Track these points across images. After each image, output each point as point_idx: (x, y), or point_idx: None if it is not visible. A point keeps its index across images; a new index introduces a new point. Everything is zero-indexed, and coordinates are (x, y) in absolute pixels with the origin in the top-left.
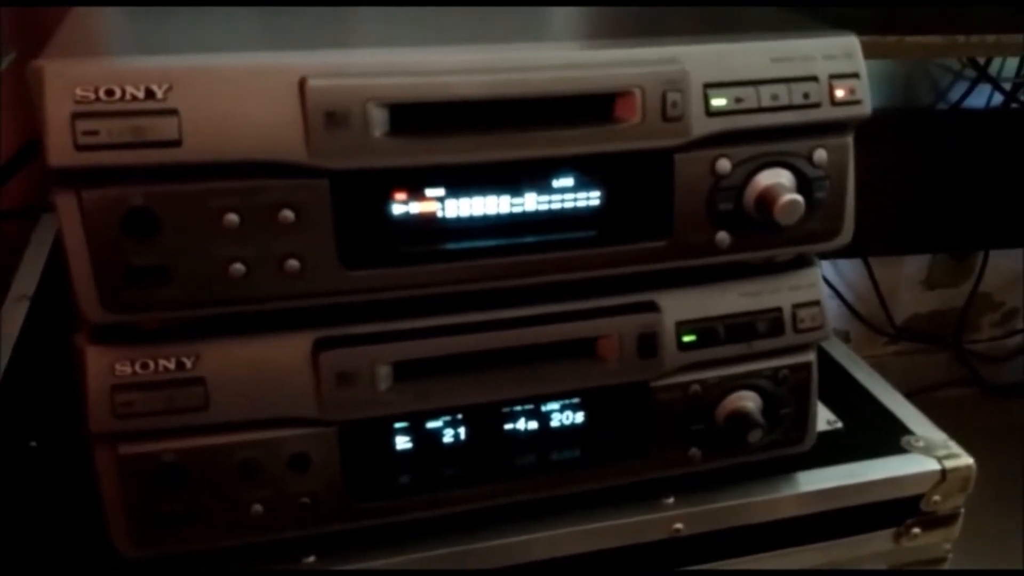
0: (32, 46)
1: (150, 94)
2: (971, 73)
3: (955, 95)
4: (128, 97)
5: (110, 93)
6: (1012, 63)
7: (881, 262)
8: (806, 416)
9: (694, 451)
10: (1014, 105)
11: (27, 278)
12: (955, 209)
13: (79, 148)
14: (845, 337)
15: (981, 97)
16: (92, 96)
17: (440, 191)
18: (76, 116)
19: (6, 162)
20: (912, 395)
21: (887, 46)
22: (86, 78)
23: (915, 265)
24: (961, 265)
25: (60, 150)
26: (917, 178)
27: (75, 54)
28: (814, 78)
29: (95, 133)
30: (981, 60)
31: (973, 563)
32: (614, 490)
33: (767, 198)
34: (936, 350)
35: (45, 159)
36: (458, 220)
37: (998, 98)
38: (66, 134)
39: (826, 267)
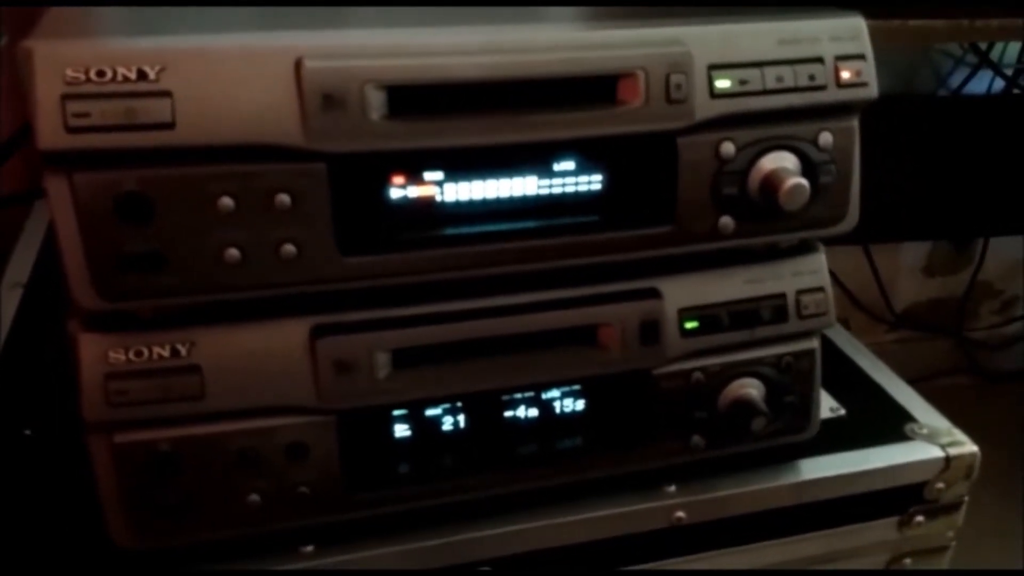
0: (25, 28)
1: (142, 75)
2: (972, 59)
3: (956, 81)
4: (120, 78)
5: (101, 74)
6: (1014, 49)
7: (881, 249)
8: (809, 404)
9: (696, 439)
10: (1015, 91)
11: (21, 265)
12: (955, 196)
13: (70, 130)
14: (845, 325)
15: (982, 83)
16: (83, 77)
17: (439, 175)
18: (67, 98)
19: None
20: (912, 383)
21: (890, 30)
22: (77, 59)
23: (915, 252)
24: (961, 253)
25: (50, 133)
26: (917, 165)
27: (66, 35)
28: (820, 60)
29: (86, 115)
30: (983, 46)
31: (976, 552)
32: (615, 479)
33: (771, 182)
34: (936, 338)
35: (35, 142)
36: (457, 205)
37: (999, 84)
38: (56, 116)
39: (825, 253)
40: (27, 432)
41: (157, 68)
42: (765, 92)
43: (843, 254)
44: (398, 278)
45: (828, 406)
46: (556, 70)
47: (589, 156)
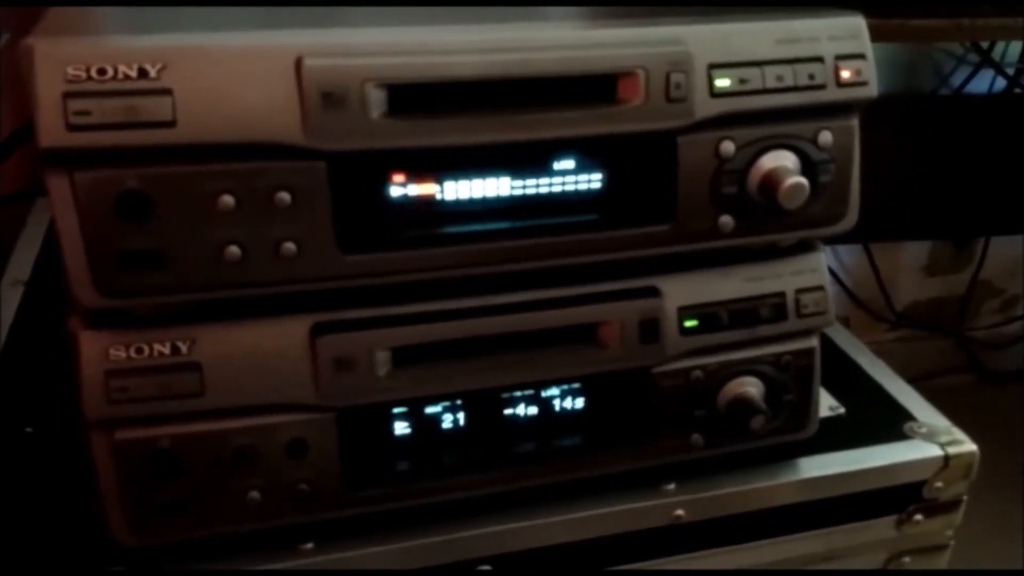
0: (26, 26)
1: (143, 73)
2: (974, 58)
3: (958, 80)
4: (121, 76)
5: (102, 72)
6: (1015, 48)
7: (881, 248)
8: (808, 402)
9: (696, 437)
10: (1017, 90)
11: (22, 263)
12: (956, 195)
13: (71, 128)
14: (845, 323)
15: (984, 82)
16: (84, 75)
17: (439, 173)
18: (68, 96)
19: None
20: (912, 382)
21: (891, 29)
22: (78, 57)
23: (916, 251)
24: (962, 252)
25: (51, 131)
26: (919, 164)
27: (66, 33)
28: (819, 59)
29: (87, 113)
30: (984, 45)
31: (974, 550)
32: (615, 477)
33: (771, 181)
34: (936, 337)
35: (36, 140)
36: (457, 203)
37: (1001, 83)
38: (57, 114)
39: (826, 252)
40: (28, 429)
41: (158, 66)
42: (765, 91)
43: (844, 253)
44: (398, 276)
45: (827, 404)
46: (556, 69)
47: (589, 155)
